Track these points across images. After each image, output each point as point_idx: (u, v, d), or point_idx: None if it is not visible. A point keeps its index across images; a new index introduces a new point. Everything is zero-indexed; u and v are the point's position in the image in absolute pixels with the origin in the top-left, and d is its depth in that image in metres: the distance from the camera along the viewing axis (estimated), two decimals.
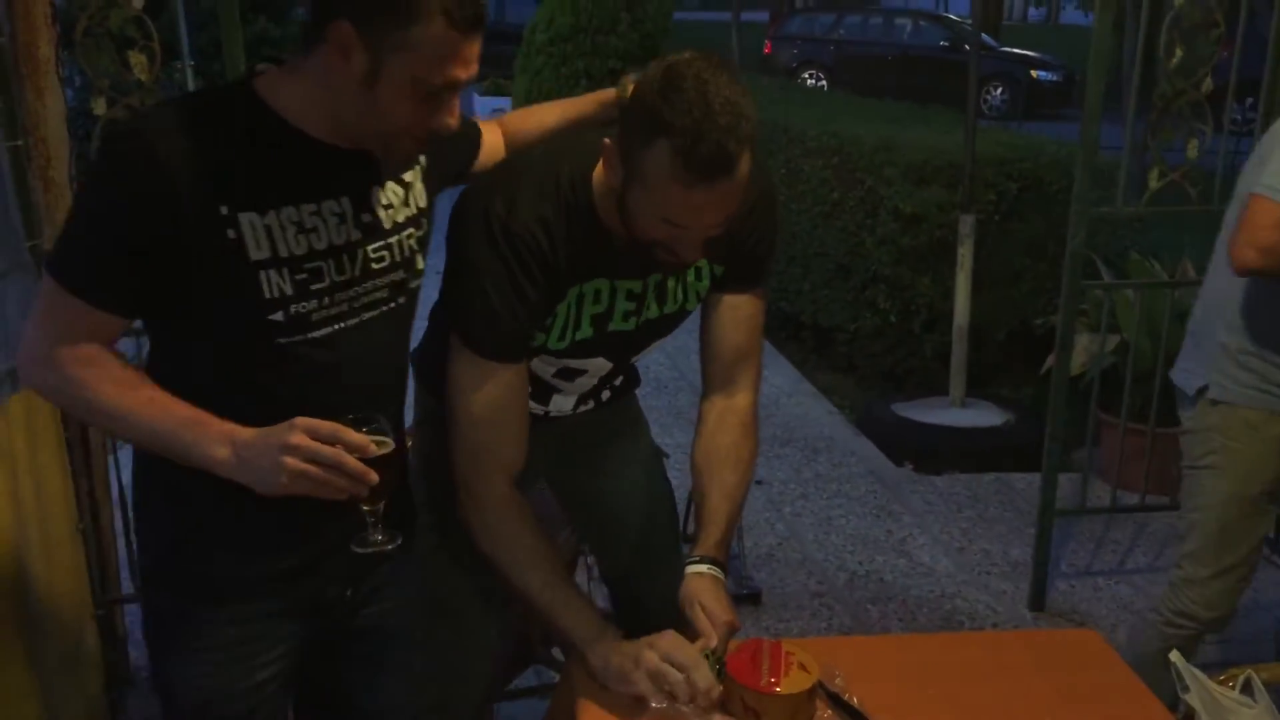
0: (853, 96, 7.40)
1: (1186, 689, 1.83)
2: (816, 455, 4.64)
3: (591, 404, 1.97)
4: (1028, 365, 4.94)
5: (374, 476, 1.38)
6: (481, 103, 11.63)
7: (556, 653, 2.53)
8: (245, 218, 1.39)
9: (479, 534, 1.73)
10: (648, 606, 2.03)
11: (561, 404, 1.93)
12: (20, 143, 2.55)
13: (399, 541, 1.49)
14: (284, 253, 1.42)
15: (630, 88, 1.68)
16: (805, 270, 5.67)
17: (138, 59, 2.67)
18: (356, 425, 1.40)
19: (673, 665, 1.60)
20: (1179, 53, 3.07)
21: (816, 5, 29.90)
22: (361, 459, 1.37)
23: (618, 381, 1.99)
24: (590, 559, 2.51)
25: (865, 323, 5.21)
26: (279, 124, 1.42)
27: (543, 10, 9.74)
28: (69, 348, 1.41)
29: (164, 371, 1.47)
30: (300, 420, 1.37)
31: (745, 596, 3.41)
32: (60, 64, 2.64)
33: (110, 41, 2.65)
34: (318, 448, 1.35)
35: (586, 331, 1.76)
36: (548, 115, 1.94)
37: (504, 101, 11.36)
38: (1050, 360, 4.38)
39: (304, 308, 1.45)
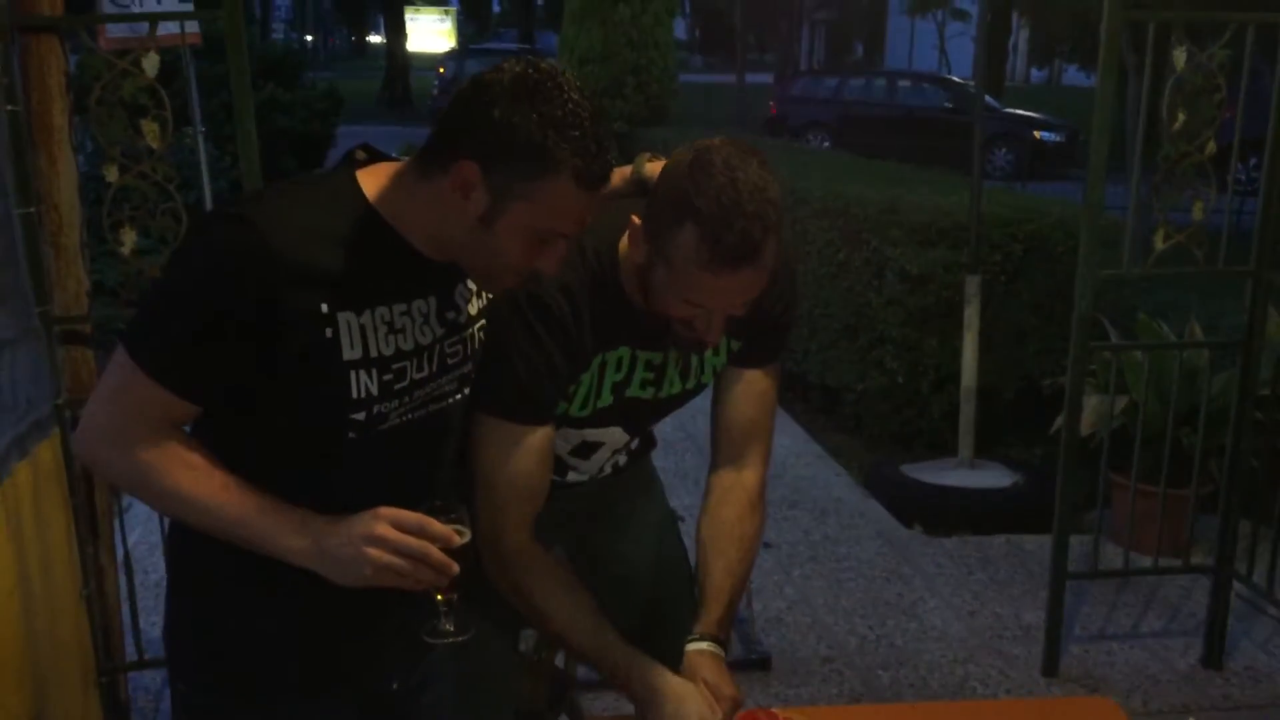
0: (858, 158, 7.45)
1: None
2: (825, 517, 4.61)
3: (609, 471, 1.97)
4: (1036, 425, 4.92)
5: (455, 568, 1.37)
6: None
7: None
8: (343, 317, 1.37)
9: (507, 588, 1.73)
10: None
11: (577, 478, 1.92)
12: (32, 209, 2.57)
13: (471, 633, 1.47)
14: (374, 353, 1.40)
15: (646, 165, 1.70)
16: (812, 330, 5.67)
17: (150, 127, 2.69)
18: (438, 514, 1.39)
19: None
20: (1181, 116, 3.09)
21: (821, 67, 30.27)
22: (445, 549, 1.36)
23: (634, 446, 1.99)
24: None
25: (872, 383, 5.20)
26: (385, 229, 1.40)
27: None
28: (141, 431, 1.37)
29: (219, 456, 1.43)
30: (384, 510, 1.35)
31: (754, 661, 3.37)
32: (72, 131, 2.67)
33: (123, 110, 2.68)
34: (403, 539, 1.34)
35: (607, 400, 1.76)
36: None
37: None
38: (1059, 421, 4.38)
39: (385, 407, 1.43)
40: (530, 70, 1.34)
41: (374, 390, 1.41)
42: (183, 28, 2.91)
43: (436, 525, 1.36)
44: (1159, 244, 3.16)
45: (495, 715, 2.02)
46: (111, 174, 2.69)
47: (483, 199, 1.34)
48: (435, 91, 21.68)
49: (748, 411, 1.85)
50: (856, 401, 5.38)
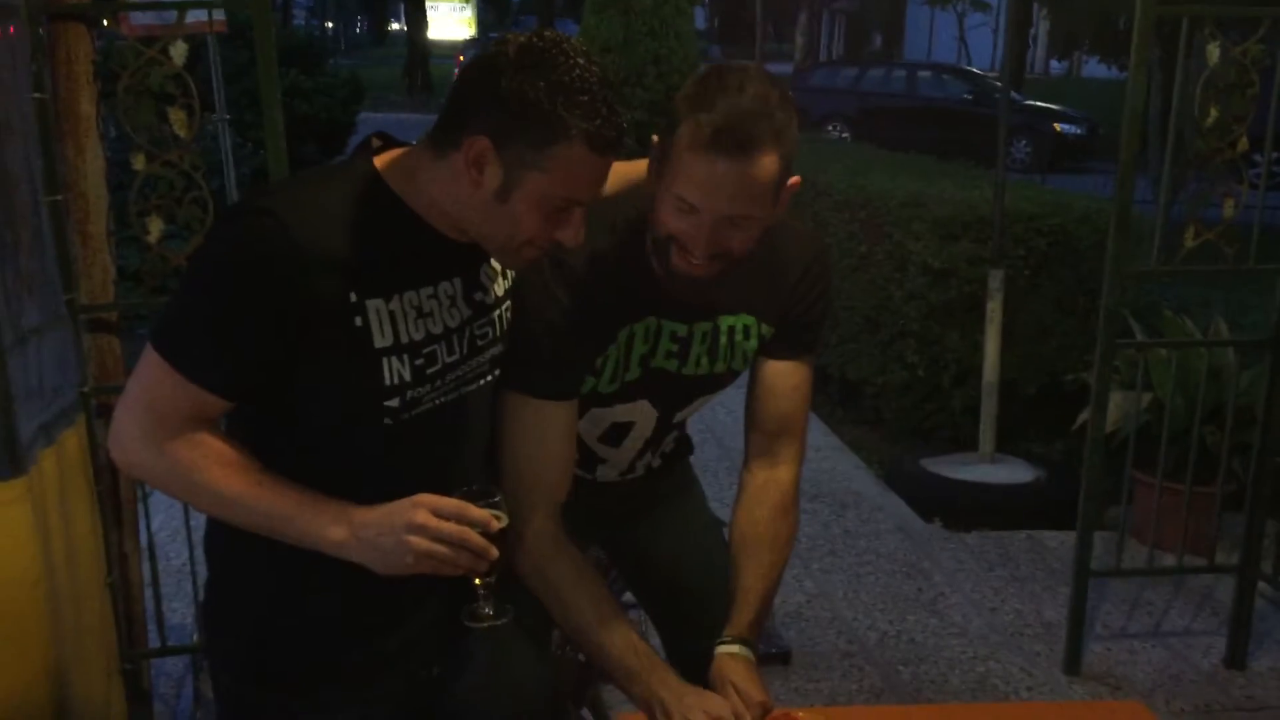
0: (879, 150, 7.40)
1: None
2: (845, 511, 4.60)
3: (641, 472, 1.95)
4: (1058, 421, 4.89)
5: (495, 552, 1.37)
6: None
7: (586, 714, 2.49)
8: (372, 305, 1.37)
9: (528, 574, 1.71)
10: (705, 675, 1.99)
11: (607, 473, 1.91)
12: (59, 197, 2.57)
13: (510, 615, 1.47)
14: (405, 339, 1.40)
15: None
16: (833, 323, 5.65)
17: (177, 115, 2.69)
18: (475, 499, 1.39)
19: None
20: (1214, 112, 3.06)
21: (841, 58, 30.13)
22: (483, 534, 1.36)
23: (668, 448, 1.97)
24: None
25: (893, 376, 5.18)
26: (406, 213, 1.41)
27: None
28: (174, 430, 1.37)
29: (255, 451, 1.43)
30: (423, 498, 1.36)
31: (774, 655, 3.36)
32: (99, 119, 2.67)
33: (150, 98, 2.68)
34: (443, 526, 1.35)
35: (635, 373, 1.75)
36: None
37: None
38: (1083, 417, 4.35)
39: (419, 392, 1.43)
40: (535, 40, 1.34)
41: (407, 376, 1.41)
42: (210, 15, 2.90)
43: (475, 510, 1.36)
44: (1189, 241, 3.13)
45: (529, 701, 2.01)
46: (139, 162, 2.69)
47: (497, 173, 1.34)
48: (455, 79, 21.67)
49: (782, 406, 1.83)
50: (877, 395, 5.36)
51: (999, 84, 18.37)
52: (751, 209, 1.53)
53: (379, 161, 1.42)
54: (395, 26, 52.38)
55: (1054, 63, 36.45)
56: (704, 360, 1.80)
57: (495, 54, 1.34)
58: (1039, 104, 17.50)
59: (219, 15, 4.15)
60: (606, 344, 1.70)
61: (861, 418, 5.60)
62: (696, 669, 1.95)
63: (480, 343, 1.52)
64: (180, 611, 3.48)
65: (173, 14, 2.84)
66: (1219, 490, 3.53)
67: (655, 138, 1.58)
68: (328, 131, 10.72)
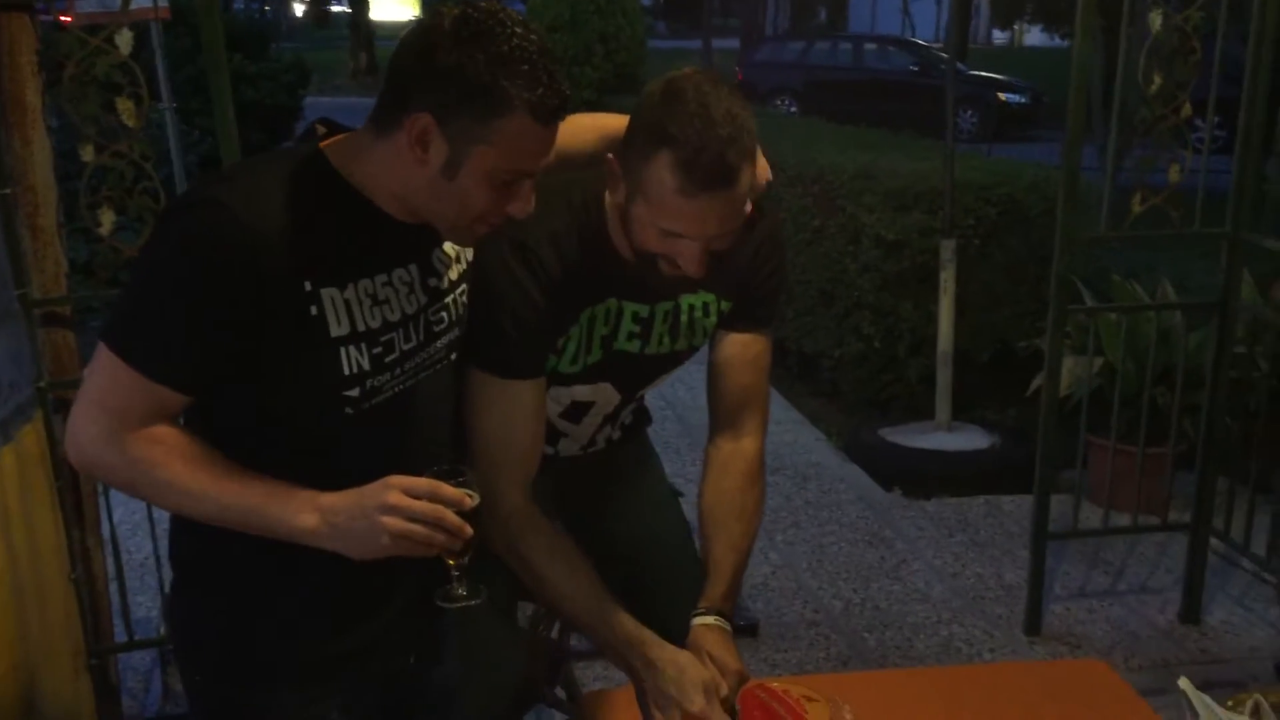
0: (829, 124, 7.44)
1: (1196, 716, 1.83)
2: (806, 483, 4.64)
3: (601, 444, 1.96)
4: (1011, 388, 4.97)
5: (469, 530, 1.37)
6: None
7: (559, 692, 2.51)
8: (327, 293, 1.36)
9: (504, 551, 1.72)
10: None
11: (569, 447, 1.92)
12: (8, 191, 2.54)
13: (484, 595, 1.47)
14: (361, 327, 1.39)
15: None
16: (788, 297, 5.69)
17: (125, 105, 2.66)
18: (445, 478, 1.38)
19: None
20: (1158, 79, 3.11)
21: (786, 32, 30.16)
22: (457, 512, 1.36)
23: (626, 420, 1.99)
24: None
25: (849, 348, 5.23)
26: (355, 198, 1.39)
27: None
28: (133, 428, 1.34)
29: (215, 445, 1.41)
30: (394, 479, 1.35)
31: (742, 628, 3.40)
32: (45, 110, 2.63)
33: (97, 88, 2.64)
34: (417, 505, 1.34)
35: (596, 354, 1.76)
36: (588, 138, 1.85)
37: None
38: (1036, 383, 4.42)
39: (378, 381, 1.42)
40: (470, 11, 1.33)
41: (365, 365, 1.40)
42: (155, 2, 2.85)
43: (448, 489, 1.36)
44: (1136, 206, 3.18)
45: (498, 685, 2.02)
46: (87, 153, 2.65)
47: (442, 149, 1.33)
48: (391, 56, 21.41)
49: (743, 379, 1.86)
50: (834, 367, 5.41)
51: (944, 55, 18.52)
52: (738, 220, 1.56)
53: (326, 147, 1.41)
54: (337, 9, 51.70)
55: (996, 32, 36.73)
56: (665, 339, 1.81)
57: (430, 28, 1.32)
58: (984, 74, 17.61)
59: (163, 1, 4.08)
60: (569, 324, 1.71)
61: (819, 390, 5.65)
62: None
63: (436, 328, 1.52)
64: (145, 605, 3.46)
65: (116, 1, 2.80)
66: (1171, 450, 3.61)
67: (610, 156, 1.58)
68: (274, 117, 10.59)
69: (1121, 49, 3.17)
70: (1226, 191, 3.28)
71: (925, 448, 4.74)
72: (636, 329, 1.77)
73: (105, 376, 1.35)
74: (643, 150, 1.51)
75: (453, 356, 1.57)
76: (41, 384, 2.64)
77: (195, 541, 1.50)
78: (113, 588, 2.92)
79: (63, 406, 2.73)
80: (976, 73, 17.59)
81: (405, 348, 1.46)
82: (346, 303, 1.38)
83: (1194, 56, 3.08)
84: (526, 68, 1.31)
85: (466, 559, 1.43)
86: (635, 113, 1.55)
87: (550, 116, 1.35)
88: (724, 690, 1.66)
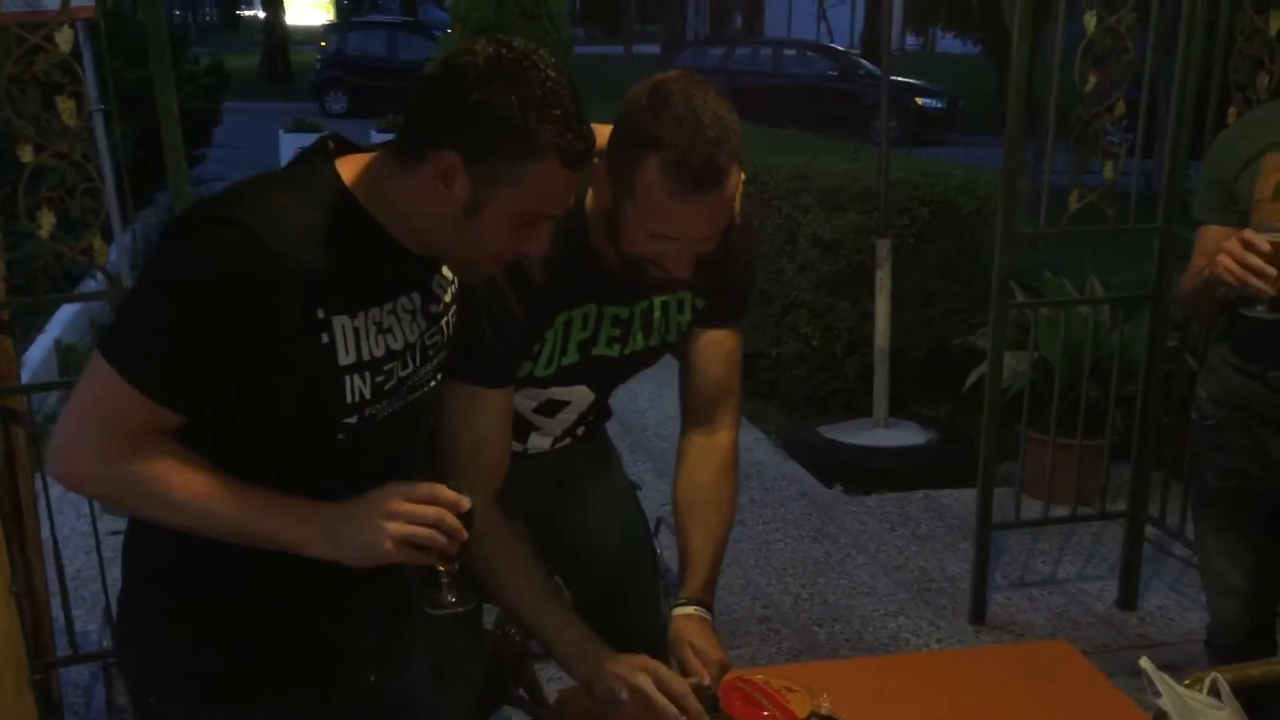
0: (759, 126, 7.50)
1: (1158, 694, 1.89)
2: (748, 481, 4.67)
3: (568, 440, 1.97)
4: (946, 383, 5.06)
5: (465, 534, 1.36)
6: (379, 138, 11.54)
7: (521, 692, 2.50)
8: (338, 321, 1.33)
9: (468, 559, 1.71)
10: (624, 640, 2.03)
11: (539, 442, 1.92)
12: None
13: (473, 603, 1.46)
14: (366, 356, 1.37)
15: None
16: None
17: (66, 104, 2.59)
18: (438, 483, 1.38)
19: (665, 693, 1.60)
20: (1092, 79, 3.19)
21: (706, 38, 30.37)
22: (455, 515, 1.35)
23: (592, 416, 1.99)
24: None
25: (787, 348, 5.28)
26: (371, 226, 1.37)
27: (442, 48, 9.72)
28: (128, 443, 1.31)
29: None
30: (393, 485, 1.34)
31: None
32: None
33: (36, 87, 2.57)
34: (420, 509, 1.33)
35: (573, 358, 1.76)
36: None
37: None
38: (973, 378, 4.51)
39: (375, 409, 1.41)
40: (504, 51, 1.31)
41: (367, 394, 1.39)
42: (97, 2, 2.80)
43: (447, 491, 1.35)
44: (1074, 203, 3.26)
45: (464, 693, 2.02)
46: (26, 154, 2.58)
47: (466, 188, 1.32)
48: (319, 65, 21.17)
49: (716, 373, 1.87)
50: (772, 367, 5.45)
51: (861, 60, 18.83)
52: (725, 221, 1.57)
53: (343, 170, 1.38)
54: (247, 13, 50.90)
55: (909, 38, 37.34)
56: (640, 337, 1.82)
57: (462, 65, 1.31)
58: (901, 79, 17.88)
59: (87, 1, 3.99)
60: (544, 330, 1.71)
61: (758, 390, 5.68)
62: (620, 637, 1.99)
63: (431, 352, 1.51)
64: (82, 618, 3.36)
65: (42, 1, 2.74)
66: (1106, 443, 3.70)
67: (596, 161, 1.55)
68: (192, 122, 10.36)
69: (1058, 47, 3.25)
70: (1142, 191, 3.38)
71: (864, 444, 4.81)
72: (616, 332, 1.78)
73: (101, 392, 1.31)
74: (630, 154, 1.51)
75: (439, 376, 1.57)
76: None
77: (155, 552, 1.46)
78: (55, 603, 2.84)
79: (1, 415, 2.66)
80: (895, 78, 17.85)
81: (402, 374, 1.44)
82: (355, 331, 1.36)
83: (1127, 56, 3.18)
84: (558, 112, 1.30)
85: (456, 565, 1.43)
86: (620, 117, 1.55)
87: (578, 161, 1.34)
88: (706, 679, 1.67)
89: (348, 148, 1.43)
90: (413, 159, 1.33)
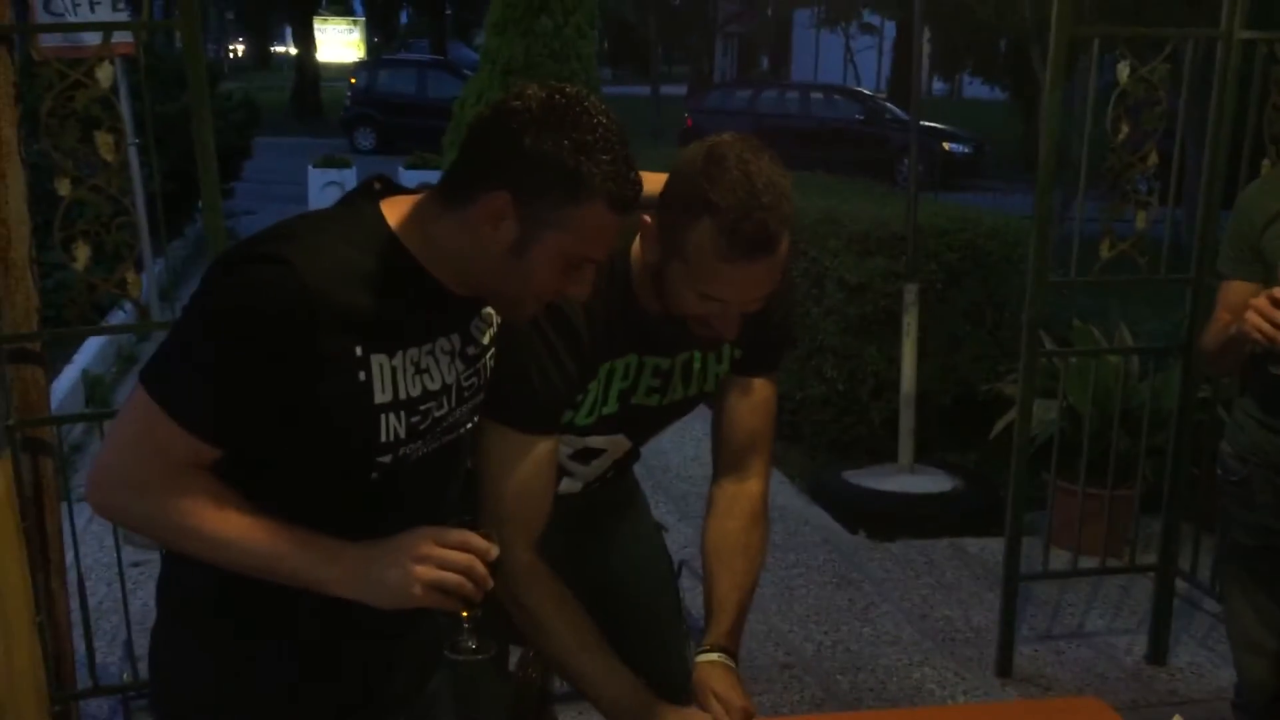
0: (787, 170, 7.53)
1: None
2: (772, 525, 4.60)
3: (598, 484, 1.96)
4: (972, 430, 5.02)
5: (490, 582, 1.36)
6: (406, 176, 11.64)
7: None
8: (376, 360, 1.34)
9: (508, 602, 1.69)
10: (651, 682, 2.00)
11: (571, 486, 1.91)
12: None
13: (494, 650, 1.45)
14: (403, 395, 1.38)
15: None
16: None
17: (104, 139, 2.62)
18: (471, 530, 1.37)
19: None
20: (1125, 128, 3.19)
21: (733, 80, 30.56)
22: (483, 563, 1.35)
23: (624, 461, 1.99)
24: None
25: (812, 391, 5.26)
26: (413, 266, 1.38)
27: (471, 87, 9.75)
28: (165, 476, 1.32)
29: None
30: (425, 529, 1.34)
31: None
32: (21, 143, 2.58)
33: (76, 122, 2.61)
34: (451, 555, 1.33)
35: (613, 407, 1.76)
36: None
37: (431, 175, 11.37)
38: (1000, 425, 4.48)
39: (410, 449, 1.41)
40: (557, 95, 1.33)
41: (402, 434, 1.39)
42: (139, 37, 2.83)
43: (478, 539, 1.35)
44: (1105, 252, 3.25)
45: None
46: (64, 187, 2.61)
47: (513, 228, 1.33)
48: (349, 102, 21.40)
49: (750, 422, 1.86)
50: (796, 410, 5.43)
51: (888, 104, 18.89)
52: (775, 285, 1.58)
53: (388, 211, 1.39)
54: (279, 49, 51.60)
55: (937, 83, 37.49)
56: (679, 388, 1.83)
57: (514, 109, 1.32)
58: (928, 124, 17.94)
59: (127, 37, 4.05)
60: (588, 380, 1.71)
61: (781, 433, 5.59)
62: (643, 679, 1.96)
63: (467, 394, 1.51)
64: (102, 650, 3.36)
65: (81, 38, 2.78)
66: (1137, 493, 3.66)
67: (646, 219, 1.58)
68: (223, 156, 10.47)
69: (1090, 98, 3.24)
70: (1171, 240, 3.36)
71: (889, 490, 4.77)
72: (657, 383, 1.78)
73: (142, 424, 1.32)
74: (684, 215, 1.52)
75: (475, 419, 1.57)
76: (10, 422, 2.58)
77: (193, 592, 1.46)
78: (76, 633, 2.84)
79: (30, 446, 2.67)
80: (922, 123, 17.92)
81: (438, 415, 1.44)
82: (394, 370, 1.36)
83: (1159, 107, 3.17)
84: (608, 157, 1.31)
85: (479, 612, 1.41)
86: (674, 177, 1.56)
87: (626, 207, 1.35)
88: None
89: (393, 189, 1.43)
90: (460, 199, 1.34)
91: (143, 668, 2.92)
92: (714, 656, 1.75)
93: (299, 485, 1.39)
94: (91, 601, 3.49)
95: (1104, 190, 3.28)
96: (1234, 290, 2.24)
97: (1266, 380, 2.21)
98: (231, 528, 1.33)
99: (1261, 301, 1.96)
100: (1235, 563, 2.42)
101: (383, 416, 1.36)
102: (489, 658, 1.47)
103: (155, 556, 1.53)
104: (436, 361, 1.42)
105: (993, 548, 4.23)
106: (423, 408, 1.41)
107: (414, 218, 1.38)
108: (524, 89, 1.34)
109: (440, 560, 1.32)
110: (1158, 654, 3.57)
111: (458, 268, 1.39)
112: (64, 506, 2.77)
